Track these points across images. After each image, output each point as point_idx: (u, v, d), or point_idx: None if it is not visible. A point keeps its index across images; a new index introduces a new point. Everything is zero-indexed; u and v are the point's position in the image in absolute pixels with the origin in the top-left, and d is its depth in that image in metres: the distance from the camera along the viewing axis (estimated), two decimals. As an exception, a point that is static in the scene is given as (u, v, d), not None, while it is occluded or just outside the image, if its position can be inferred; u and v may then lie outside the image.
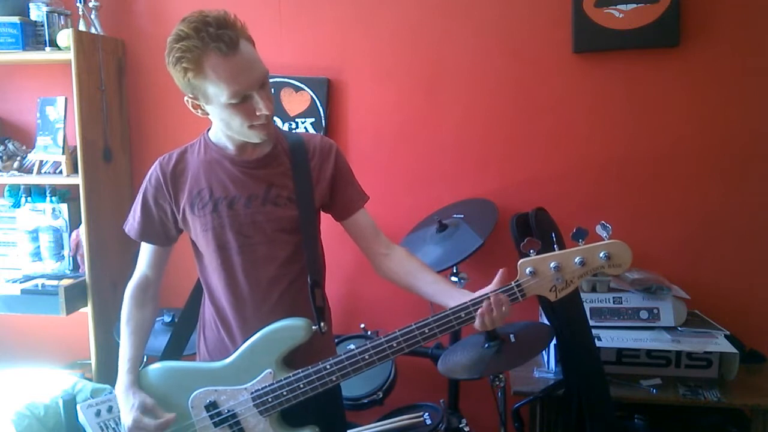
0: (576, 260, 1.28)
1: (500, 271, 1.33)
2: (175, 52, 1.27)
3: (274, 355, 1.40)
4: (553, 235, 1.38)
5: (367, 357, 1.37)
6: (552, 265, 1.29)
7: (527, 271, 1.30)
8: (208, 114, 1.38)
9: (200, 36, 1.24)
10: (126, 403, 1.43)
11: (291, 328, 1.41)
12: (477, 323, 1.32)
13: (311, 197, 1.45)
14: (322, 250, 1.53)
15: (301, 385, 1.39)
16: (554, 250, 1.30)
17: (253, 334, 1.42)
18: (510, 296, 1.32)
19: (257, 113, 1.32)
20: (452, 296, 1.38)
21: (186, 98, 1.36)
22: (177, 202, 1.46)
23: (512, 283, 1.32)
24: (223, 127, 1.39)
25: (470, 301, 1.33)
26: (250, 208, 1.42)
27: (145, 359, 1.62)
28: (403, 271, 1.50)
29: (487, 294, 1.32)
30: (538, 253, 1.30)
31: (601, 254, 1.26)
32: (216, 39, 1.24)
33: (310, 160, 1.47)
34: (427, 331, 1.34)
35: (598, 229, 1.29)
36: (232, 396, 1.43)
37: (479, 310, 1.31)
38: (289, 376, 1.40)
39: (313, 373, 1.38)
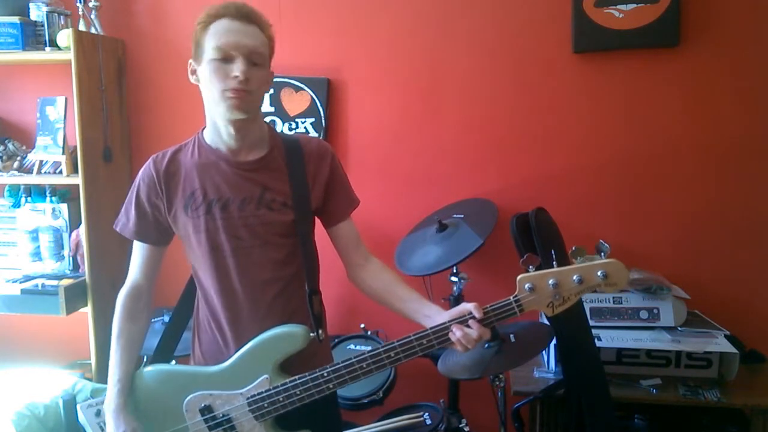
0: (574, 278, 1.29)
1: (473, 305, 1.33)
2: (203, 14, 1.38)
3: (270, 361, 1.40)
4: (554, 252, 1.39)
5: (364, 366, 1.36)
6: (551, 281, 1.30)
7: (526, 287, 1.31)
8: (199, 81, 1.41)
9: (227, 5, 1.36)
10: (115, 428, 1.42)
11: (289, 335, 1.40)
12: (457, 347, 1.33)
13: (307, 201, 1.45)
14: (317, 254, 1.52)
15: (298, 392, 1.38)
16: (553, 266, 1.32)
17: (250, 339, 1.42)
18: (508, 311, 1.32)
19: (232, 76, 1.33)
20: (424, 315, 1.39)
21: (189, 61, 1.42)
22: (170, 202, 1.45)
23: (510, 298, 1.32)
24: (206, 94, 1.39)
25: (469, 315, 1.33)
26: (243, 211, 1.41)
27: (144, 359, 1.62)
28: (375, 284, 1.50)
29: (461, 318, 1.32)
30: (537, 269, 1.32)
31: (599, 273, 1.28)
32: (230, 8, 1.35)
33: (307, 164, 1.46)
34: (425, 342, 1.33)
35: (597, 248, 1.30)
36: (227, 401, 1.42)
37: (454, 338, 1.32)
38: (286, 383, 1.39)
39: (310, 380, 1.38)
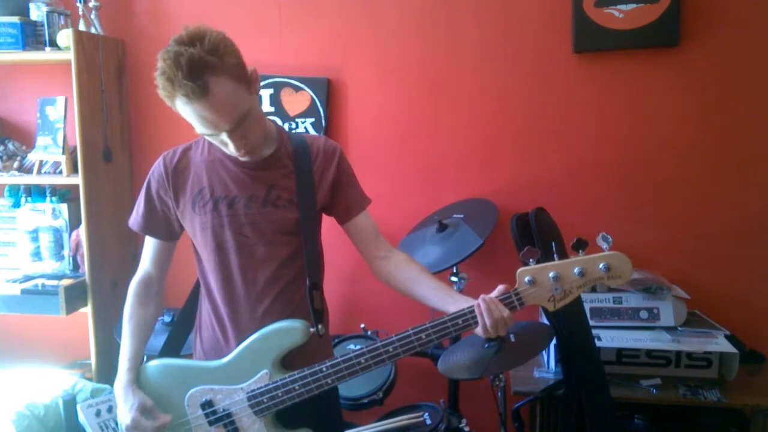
0: (575, 270, 1.27)
1: (499, 286, 1.33)
2: (156, 80, 1.28)
3: (270, 356, 1.41)
4: (553, 245, 1.37)
5: (363, 361, 1.36)
6: (551, 275, 1.28)
7: (526, 280, 1.29)
8: None
9: (169, 78, 1.24)
10: (125, 401, 1.43)
11: (289, 329, 1.41)
12: (479, 329, 1.32)
13: (313, 200, 1.45)
14: (322, 252, 1.53)
15: (297, 387, 1.39)
16: (554, 260, 1.30)
17: (250, 335, 1.42)
18: (508, 305, 1.31)
19: (229, 148, 1.34)
20: (453, 303, 1.38)
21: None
22: (177, 199, 1.46)
23: (510, 291, 1.31)
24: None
25: (468, 308, 1.33)
26: (249, 209, 1.42)
27: (145, 359, 1.62)
28: (402, 275, 1.49)
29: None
30: (537, 262, 1.29)
31: (601, 265, 1.26)
32: (181, 87, 1.23)
33: (313, 163, 1.47)
34: (423, 336, 1.34)
35: (599, 240, 1.29)
36: (227, 395, 1.43)
37: (478, 311, 1.31)
38: (285, 378, 1.40)
39: (309, 375, 1.38)
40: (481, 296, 1.32)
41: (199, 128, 1.31)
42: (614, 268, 1.26)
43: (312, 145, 1.49)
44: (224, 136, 1.31)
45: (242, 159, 1.40)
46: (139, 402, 1.42)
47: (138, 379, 1.48)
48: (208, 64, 1.23)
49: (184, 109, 1.28)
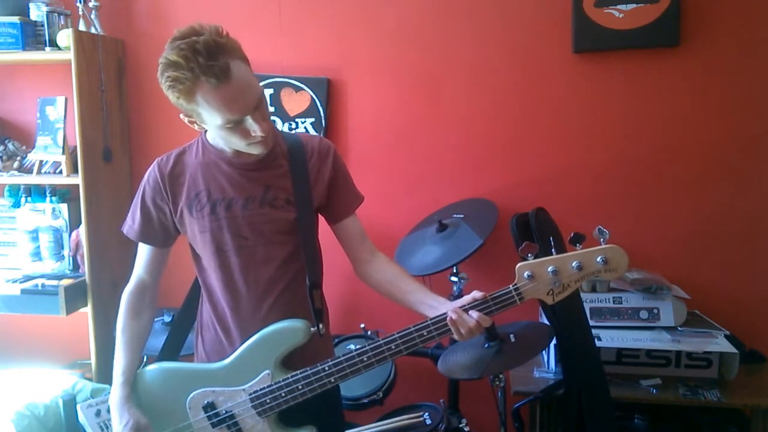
0: (573, 264, 1.28)
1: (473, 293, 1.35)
2: (165, 79, 1.26)
3: (272, 357, 1.41)
4: (551, 239, 1.39)
5: (365, 359, 1.37)
6: (549, 269, 1.29)
7: (525, 275, 1.31)
8: (204, 129, 1.40)
9: (190, 66, 1.22)
10: (120, 419, 1.42)
11: (290, 329, 1.41)
12: (455, 335, 1.34)
13: (309, 199, 1.46)
14: (320, 250, 1.53)
15: (300, 387, 1.39)
16: (552, 254, 1.31)
17: (252, 335, 1.42)
18: (508, 300, 1.32)
19: (252, 134, 1.32)
20: (428, 306, 1.40)
21: (181, 115, 1.36)
22: (175, 204, 1.46)
23: (510, 286, 1.32)
24: (221, 141, 1.42)
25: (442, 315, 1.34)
26: (247, 210, 1.42)
27: (145, 359, 1.63)
28: (381, 278, 1.51)
29: (466, 305, 1.33)
30: (536, 257, 1.31)
31: (598, 258, 1.27)
32: (206, 71, 1.22)
33: (308, 162, 1.47)
34: (425, 333, 1.34)
35: (596, 234, 1.30)
36: (230, 397, 1.43)
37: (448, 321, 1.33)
38: (288, 378, 1.40)
39: (312, 374, 1.39)
40: (451, 309, 1.32)
41: (226, 115, 1.27)
42: (611, 261, 1.28)
43: (307, 145, 1.49)
44: (249, 120, 1.30)
45: (260, 151, 1.38)
46: (134, 421, 1.41)
47: (137, 384, 1.47)
48: (223, 45, 1.25)
49: (210, 97, 1.24)
